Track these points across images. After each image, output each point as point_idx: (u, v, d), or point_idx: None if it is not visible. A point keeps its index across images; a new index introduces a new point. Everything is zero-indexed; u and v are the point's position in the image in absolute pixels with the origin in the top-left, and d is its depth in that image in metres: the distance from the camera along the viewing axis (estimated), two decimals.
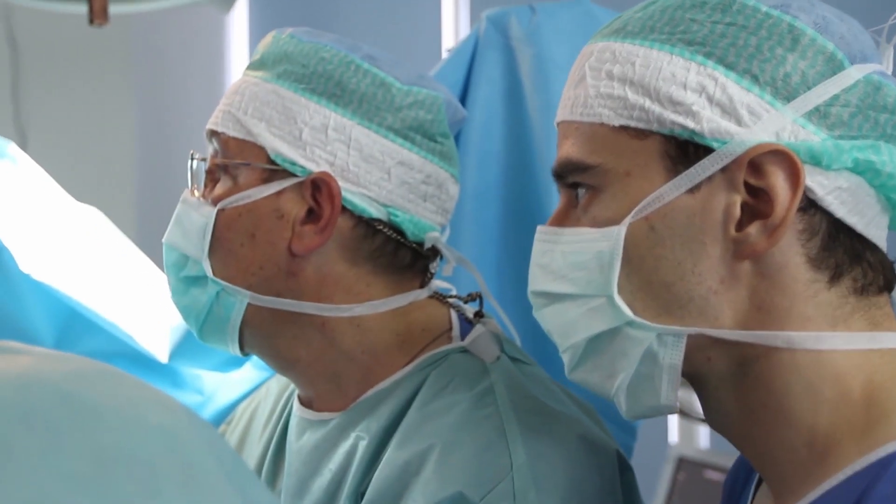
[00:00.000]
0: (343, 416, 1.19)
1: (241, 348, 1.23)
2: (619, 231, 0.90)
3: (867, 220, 0.89)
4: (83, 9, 1.97)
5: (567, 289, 0.93)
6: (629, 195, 0.90)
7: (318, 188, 1.17)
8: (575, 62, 0.97)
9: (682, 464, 2.22)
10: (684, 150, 0.89)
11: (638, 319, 0.90)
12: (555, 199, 0.97)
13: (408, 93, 1.20)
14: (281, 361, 1.23)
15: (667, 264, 0.89)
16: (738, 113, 0.87)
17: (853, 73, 0.88)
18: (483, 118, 1.58)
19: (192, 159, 1.24)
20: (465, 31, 2.78)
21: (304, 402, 1.25)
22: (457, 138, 1.61)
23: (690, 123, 0.88)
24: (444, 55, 1.65)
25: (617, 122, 0.91)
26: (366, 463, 1.14)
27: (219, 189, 1.21)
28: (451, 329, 1.22)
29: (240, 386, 1.63)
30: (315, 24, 3.13)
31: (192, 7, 2.79)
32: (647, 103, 0.90)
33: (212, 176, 1.23)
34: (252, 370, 1.60)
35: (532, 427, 1.09)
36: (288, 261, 1.18)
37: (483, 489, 1.04)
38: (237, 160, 1.19)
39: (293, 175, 1.18)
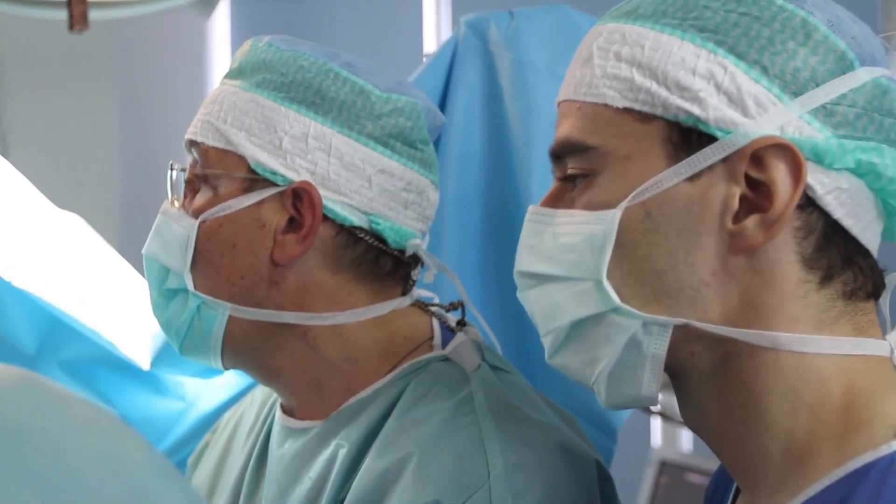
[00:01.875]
0: (324, 424, 1.19)
1: (223, 363, 1.22)
2: (615, 215, 0.88)
3: (863, 225, 0.88)
4: (63, 15, 1.97)
5: (555, 270, 0.92)
6: (627, 179, 0.88)
7: (299, 197, 1.17)
8: (582, 41, 0.95)
9: (665, 467, 2.23)
10: (687, 137, 0.87)
11: (624, 306, 0.88)
12: (536, 203, 0.97)
13: (387, 100, 1.20)
14: (264, 373, 1.23)
15: (659, 252, 0.88)
16: (744, 103, 0.86)
17: (862, 75, 0.87)
18: (462, 124, 1.58)
19: (172, 169, 1.24)
20: (446, 35, 2.79)
21: (287, 411, 1.25)
22: (436, 144, 1.61)
23: (696, 110, 0.87)
24: (425, 60, 1.65)
25: (621, 103, 0.89)
26: (345, 471, 1.14)
27: (199, 200, 1.20)
28: (432, 338, 1.21)
29: (222, 392, 1.63)
30: (296, 28, 3.13)
31: (173, 13, 2.79)
32: (654, 86, 0.88)
33: (191, 186, 1.22)
34: (234, 376, 1.60)
35: (511, 435, 1.08)
36: (269, 270, 1.18)
37: (460, 497, 1.04)
38: (217, 170, 1.19)
39: (274, 184, 1.17)
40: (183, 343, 1.23)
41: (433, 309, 1.25)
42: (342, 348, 1.19)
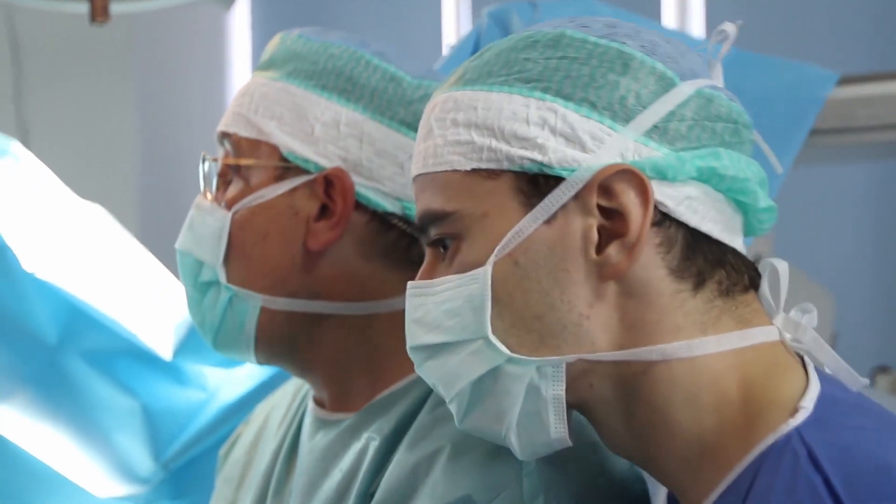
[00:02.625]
0: (355, 417, 1.19)
1: (257, 357, 1.21)
2: (486, 271, 0.91)
3: (722, 226, 0.92)
4: (84, 8, 1.97)
5: (443, 338, 0.94)
6: (490, 235, 0.91)
7: (331, 184, 1.16)
8: (422, 118, 0.99)
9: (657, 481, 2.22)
10: (535, 183, 0.90)
11: (516, 355, 0.91)
12: None
13: (418, 86, 1.19)
14: (298, 365, 1.22)
15: (535, 297, 0.90)
16: (581, 140, 0.89)
17: (685, 89, 0.91)
18: None
19: (204, 161, 1.23)
20: (466, 27, 2.78)
21: (319, 402, 1.24)
22: None
23: (538, 156, 0.90)
24: (446, 52, 1.65)
25: (468, 166, 0.92)
26: (376, 464, 1.13)
27: (231, 191, 1.20)
28: None
29: (244, 382, 1.64)
30: (316, 20, 3.13)
31: (193, 5, 2.79)
32: (494, 143, 0.91)
33: (224, 178, 1.22)
34: (256, 367, 1.60)
35: None
36: (303, 257, 1.17)
37: (491, 494, 1.02)
38: (249, 160, 1.19)
39: (306, 172, 1.17)
40: (216, 337, 1.22)
41: None
42: (374, 339, 1.19)
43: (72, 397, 1.61)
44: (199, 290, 1.21)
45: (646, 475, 1.05)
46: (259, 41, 3.26)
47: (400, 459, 1.10)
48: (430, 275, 0.97)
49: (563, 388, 0.91)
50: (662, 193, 0.89)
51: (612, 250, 0.89)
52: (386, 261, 1.18)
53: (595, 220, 0.89)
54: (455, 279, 0.93)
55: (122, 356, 1.61)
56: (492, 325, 0.91)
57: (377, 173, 1.17)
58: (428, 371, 0.97)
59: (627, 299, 0.90)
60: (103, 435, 1.62)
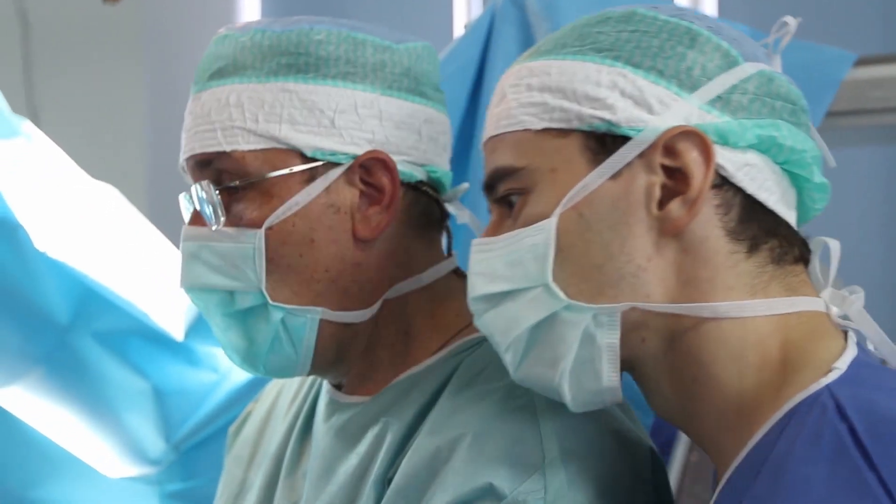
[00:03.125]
0: (373, 399, 1.17)
1: (311, 370, 1.17)
2: (551, 222, 0.95)
3: (776, 198, 0.96)
4: None
5: (505, 286, 0.98)
6: (557, 189, 0.96)
7: (367, 169, 1.14)
8: (496, 88, 1.04)
9: (695, 445, 2.22)
10: (603, 142, 0.95)
11: (573, 302, 0.95)
12: None
13: (406, 50, 1.17)
14: (342, 367, 1.19)
15: (596, 247, 0.94)
16: (648, 103, 0.95)
17: (748, 68, 0.96)
18: None
19: (199, 190, 1.14)
20: (476, 9, 2.77)
21: (335, 384, 1.23)
22: (474, 115, 1.61)
23: (607, 115, 0.95)
24: (461, 31, 1.64)
25: (539, 125, 0.97)
26: (394, 448, 1.12)
27: (252, 209, 1.12)
28: None
29: None
30: (325, 2, 3.12)
31: None
32: (566, 104, 0.96)
33: (230, 202, 1.14)
34: None
35: (566, 420, 1.05)
36: (354, 252, 1.14)
37: (514, 482, 1.01)
38: (267, 172, 1.12)
39: (337, 165, 1.13)
40: (268, 361, 1.16)
41: None
42: (407, 319, 1.18)
43: (83, 378, 1.60)
44: (237, 318, 1.15)
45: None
46: None
47: (420, 444, 1.08)
48: (496, 232, 1.00)
49: (618, 336, 0.95)
50: (723, 157, 0.94)
51: (674, 206, 0.93)
52: (422, 230, 1.18)
53: (658, 178, 0.94)
54: (520, 231, 0.97)
55: (133, 337, 1.61)
56: (553, 273, 0.95)
57: (402, 146, 1.15)
58: (487, 321, 1.01)
59: (684, 255, 0.94)
60: (114, 415, 1.62)
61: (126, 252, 1.63)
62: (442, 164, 1.19)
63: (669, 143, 0.94)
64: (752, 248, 0.95)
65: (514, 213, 0.99)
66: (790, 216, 0.98)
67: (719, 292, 0.94)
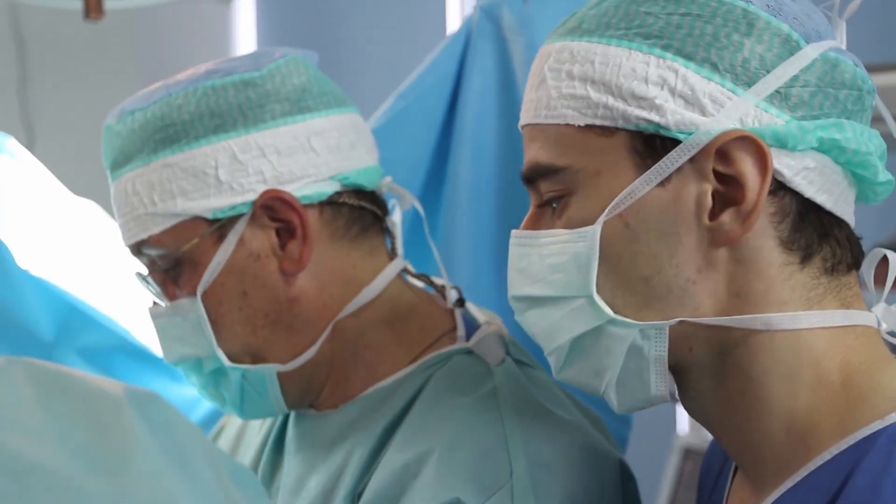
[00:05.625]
0: (343, 413, 1.18)
1: (289, 408, 1.22)
2: (595, 230, 0.90)
3: (835, 198, 0.90)
4: (80, 5, 1.97)
5: (547, 291, 0.93)
6: (601, 194, 0.90)
7: (272, 208, 1.15)
8: (533, 64, 0.96)
9: (689, 454, 2.21)
10: (651, 144, 0.89)
11: (618, 317, 0.90)
12: None
13: (270, 76, 1.17)
14: (311, 395, 1.22)
15: (643, 259, 0.89)
16: (700, 103, 0.87)
17: (810, 52, 0.89)
18: (476, 110, 1.57)
19: (145, 279, 1.22)
20: (469, 9, 2.77)
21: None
22: (450, 130, 1.61)
23: (655, 117, 0.88)
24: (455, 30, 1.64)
25: (582, 121, 0.91)
26: (364, 463, 1.13)
27: (185, 281, 1.18)
28: (455, 329, 1.20)
29: None
30: (319, 11, 3.12)
31: (193, 1, 2.79)
32: (611, 100, 0.89)
33: (166, 279, 1.20)
34: None
35: (534, 433, 1.07)
36: (287, 290, 1.16)
37: (481, 496, 1.02)
38: (182, 245, 1.16)
39: (240, 216, 1.15)
40: (246, 409, 1.21)
41: (436, 285, 1.24)
42: (361, 333, 1.18)
43: None
44: (209, 379, 1.20)
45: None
46: (263, 36, 3.26)
47: (389, 459, 1.09)
48: (535, 225, 0.96)
49: (666, 348, 0.90)
50: (781, 162, 0.87)
51: (726, 217, 0.88)
52: (355, 239, 1.18)
53: (710, 186, 0.88)
54: (562, 234, 0.92)
55: (117, 353, 1.61)
56: (597, 284, 0.90)
57: (297, 171, 1.16)
58: (528, 320, 0.97)
59: (737, 267, 0.89)
60: None
61: (108, 269, 1.64)
62: (353, 165, 1.18)
63: (723, 148, 0.87)
64: (806, 259, 0.89)
65: (556, 210, 0.94)
66: (848, 215, 0.92)
67: (773, 305, 0.88)
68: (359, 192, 1.19)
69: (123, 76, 3.08)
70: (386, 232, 1.23)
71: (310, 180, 1.16)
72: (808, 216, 0.89)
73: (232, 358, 1.17)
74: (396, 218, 1.25)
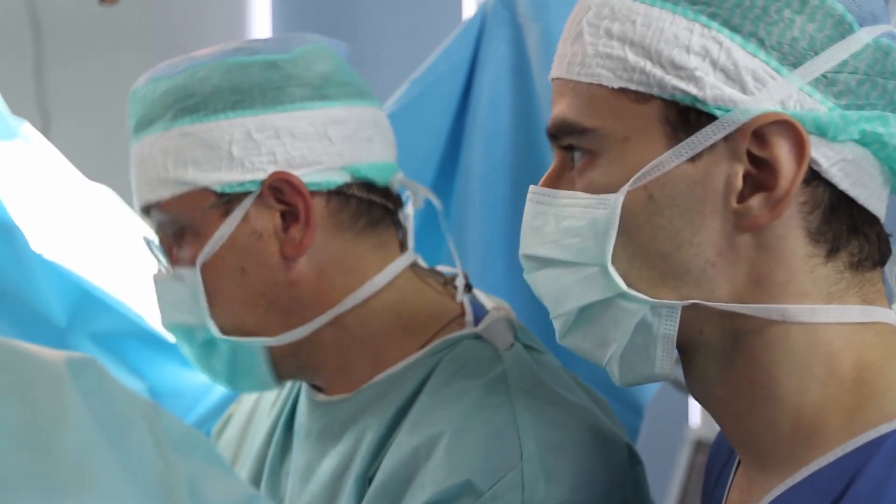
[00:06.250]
0: (353, 398, 1.19)
1: (282, 383, 1.24)
2: (617, 199, 0.86)
3: (869, 192, 0.87)
4: None
5: (559, 255, 0.90)
6: (627, 161, 0.86)
7: (279, 190, 1.16)
8: (571, 14, 0.92)
9: (701, 447, 2.20)
10: (686, 116, 0.85)
11: (631, 291, 0.87)
12: None
13: (295, 59, 1.17)
14: (309, 371, 1.23)
15: (664, 234, 0.86)
16: (742, 79, 0.83)
17: (862, 37, 0.84)
18: (490, 96, 1.57)
19: (149, 245, 1.23)
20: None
21: (315, 386, 1.24)
22: (464, 116, 1.61)
23: (693, 89, 0.84)
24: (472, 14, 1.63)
25: (616, 84, 0.87)
26: (374, 447, 1.13)
27: (187, 250, 1.19)
28: (463, 314, 1.20)
29: None
30: None
31: None
32: (648, 66, 0.85)
33: (172, 244, 1.21)
34: None
35: (543, 416, 1.07)
36: (286, 273, 1.17)
37: (492, 478, 1.02)
38: (189, 214, 1.17)
39: (248, 193, 1.16)
40: (238, 383, 1.23)
41: (447, 277, 1.24)
42: (366, 322, 1.18)
43: None
44: (201, 349, 1.22)
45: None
46: (279, 19, 3.25)
47: (400, 442, 1.10)
48: (555, 182, 0.92)
49: (676, 327, 0.87)
50: (818, 151, 0.84)
51: (755, 202, 0.84)
52: (353, 232, 1.18)
53: (742, 167, 0.84)
54: (582, 197, 0.88)
55: (130, 338, 1.62)
56: (613, 255, 0.87)
57: (310, 156, 1.16)
58: (536, 281, 0.94)
59: (759, 253, 0.85)
60: None
61: (121, 254, 1.64)
62: (366, 158, 1.18)
63: (761, 130, 0.83)
64: (832, 252, 0.86)
65: (577, 168, 0.90)
66: (880, 210, 0.88)
67: (793, 297, 0.85)
68: (369, 186, 1.18)
69: (139, 61, 3.08)
70: (398, 225, 1.23)
71: (320, 167, 1.16)
72: (840, 209, 0.86)
73: (223, 331, 1.18)
74: (409, 210, 1.25)
